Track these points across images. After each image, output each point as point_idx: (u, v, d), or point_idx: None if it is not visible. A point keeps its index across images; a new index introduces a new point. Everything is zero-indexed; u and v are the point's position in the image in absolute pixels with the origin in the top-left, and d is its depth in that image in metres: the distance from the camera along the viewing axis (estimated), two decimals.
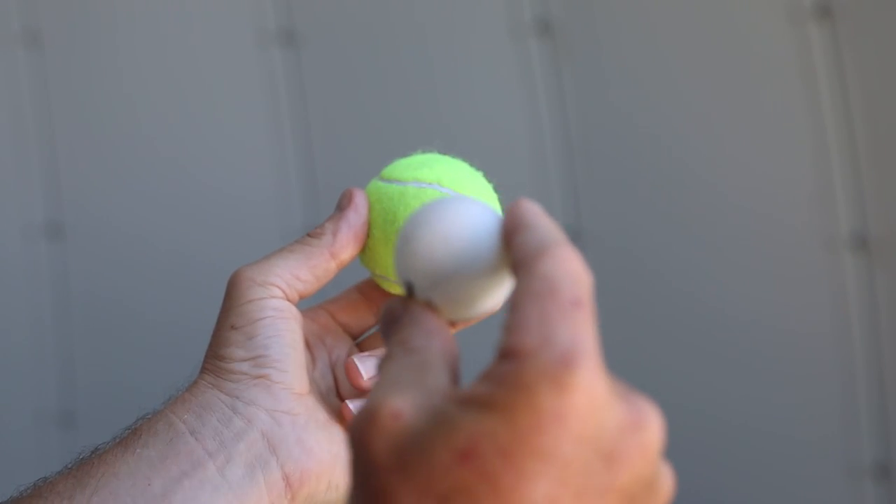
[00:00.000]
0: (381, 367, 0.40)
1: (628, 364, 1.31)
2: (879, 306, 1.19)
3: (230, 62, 1.53)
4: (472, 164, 0.62)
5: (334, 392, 0.62)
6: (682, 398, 1.30)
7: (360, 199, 0.61)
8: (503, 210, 0.45)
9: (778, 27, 1.22)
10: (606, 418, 0.36)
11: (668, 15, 1.29)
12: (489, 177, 0.62)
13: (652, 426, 0.37)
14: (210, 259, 1.53)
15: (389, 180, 0.61)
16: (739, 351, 1.27)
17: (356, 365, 0.59)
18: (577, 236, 1.34)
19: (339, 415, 0.59)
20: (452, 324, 0.58)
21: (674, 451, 1.34)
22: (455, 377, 0.40)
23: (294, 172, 1.50)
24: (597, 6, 1.32)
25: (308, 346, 0.61)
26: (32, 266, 1.62)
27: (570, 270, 0.38)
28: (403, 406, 0.37)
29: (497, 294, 0.45)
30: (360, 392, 0.60)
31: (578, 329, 0.36)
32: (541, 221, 0.41)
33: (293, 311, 0.58)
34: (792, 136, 1.23)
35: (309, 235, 0.61)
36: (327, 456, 0.57)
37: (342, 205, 0.61)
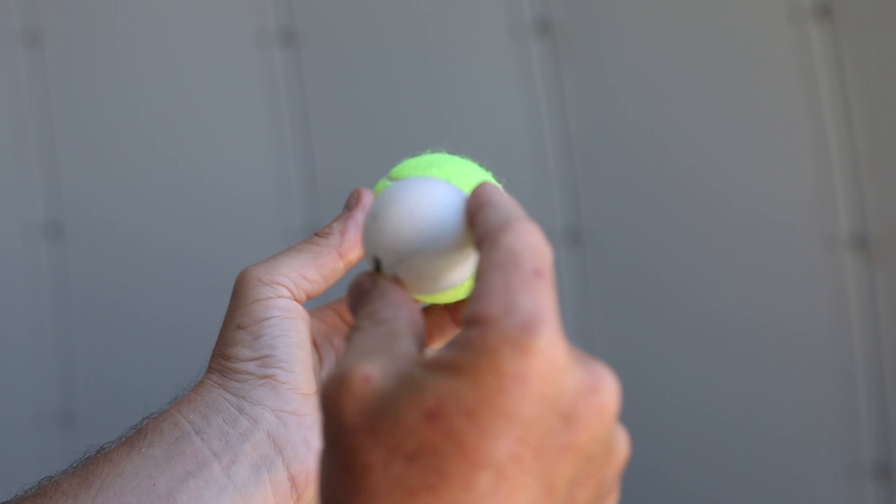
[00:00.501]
0: (350, 337, 0.41)
1: (628, 363, 1.31)
2: (879, 306, 1.19)
3: (230, 62, 1.53)
4: (480, 164, 0.62)
5: None
6: (681, 398, 1.30)
7: (368, 199, 0.61)
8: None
9: (778, 27, 1.22)
10: (565, 381, 0.38)
11: (668, 15, 1.29)
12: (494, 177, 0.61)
13: (608, 389, 0.39)
14: (210, 259, 1.53)
15: (397, 180, 0.61)
16: (739, 351, 1.27)
17: None
18: (577, 236, 1.34)
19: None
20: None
21: (674, 450, 1.34)
22: (421, 345, 0.41)
23: (294, 172, 1.50)
24: (597, 6, 1.32)
25: (316, 345, 0.61)
26: (32, 266, 1.62)
27: (532, 243, 0.40)
28: (373, 371, 0.38)
29: (460, 269, 0.47)
30: None
31: (539, 297, 0.38)
32: (503, 200, 0.43)
33: (300, 311, 0.58)
34: (792, 137, 1.23)
35: (317, 235, 0.60)
36: None
37: (350, 204, 0.61)
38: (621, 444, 0.40)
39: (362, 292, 0.44)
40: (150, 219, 1.57)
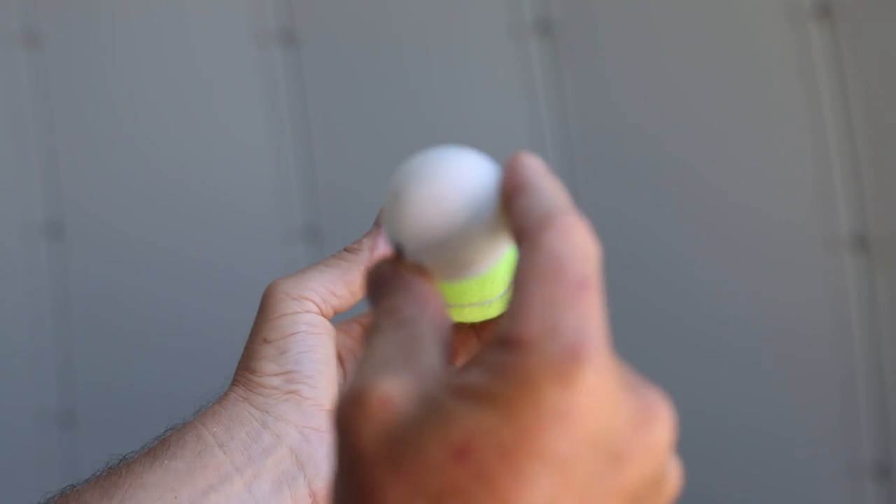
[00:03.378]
0: (368, 338, 0.37)
1: (628, 364, 1.31)
2: (879, 306, 1.19)
3: (230, 62, 1.53)
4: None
5: None
6: (681, 398, 1.29)
7: None
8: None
9: (778, 27, 1.22)
10: (614, 416, 0.34)
11: (668, 15, 1.29)
12: None
13: (662, 422, 0.35)
14: (210, 259, 1.53)
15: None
16: (739, 351, 1.27)
17: None
18: None
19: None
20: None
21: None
22: (448, 354, 0.37)
23: (294, 172, 1.50)
24: (597, 6, 1.32)
25: (340, 360, 0.61)
26: (32, 266, 1.62)
27: (577, 244, 0.36)
28: (394, 391, 0.34)
29: (492, 255, 0.42)
30: None
31: (585, 315, 0.34)
32: (543, 183, 0.38)
33: (327, 326, 0.58)
34: (792, 136, 1.23)
35: (346, 250, 0.60)
36: None
37: (380, 220, 0.61)
38: (672, 479, 0.37)
39: (382, 282, 0.40)
40: (151, 219, 1.57)
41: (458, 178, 0.41)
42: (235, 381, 0.58)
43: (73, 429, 1.61)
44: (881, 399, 1.20)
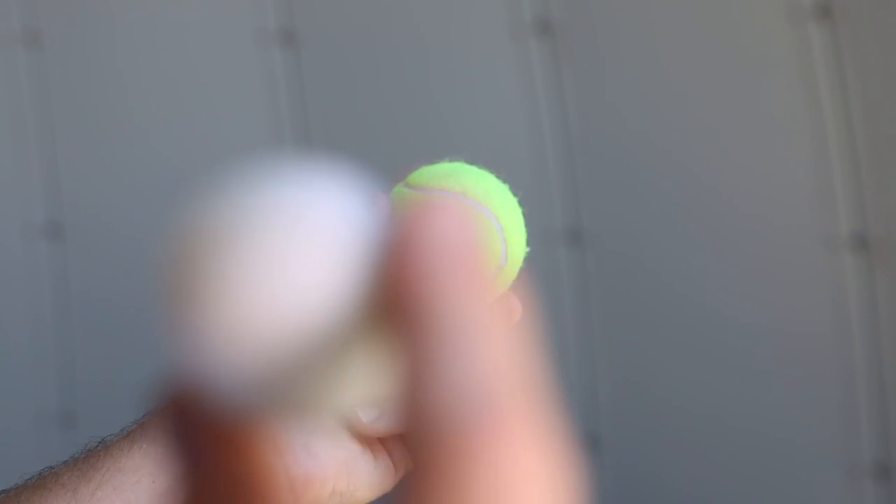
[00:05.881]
0: None
1: (628, 364, 1.31)
2: (879, 306, 1.19)
3: (230, 62, 1.53)
4: (494, 174, 0.61)
5: None
6: (681, 399, 1.30)
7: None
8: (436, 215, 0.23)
9: (778, 27, 1.22)
10: None
11: (668, 15, 1.29)
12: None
13: None
14: None
15: (415, 188, 0.60)
16: (739, 352, 1.27)
17: None
18: (577, 236, 1.33)
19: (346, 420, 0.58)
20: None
21: (674, 451, 1.34)
22: None
23: None
24: (597, 6, 1.32)
25: None
26: (32, 266, 1.62)
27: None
28: None
29: (361, 384, 0.24)
30: None
31: None
32: (465, 309, 0.20)
33: None
34: (792, 136, 1.23)
35: None
36: (333, 462, 0.56)
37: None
38: None
39: (171, 455, 0.24)
40: (151, 219, 1.57)
41: (310, 248, 0.23)
42: None
43: (73, 429, 1.61)
44: (881, 399, 1.20)
